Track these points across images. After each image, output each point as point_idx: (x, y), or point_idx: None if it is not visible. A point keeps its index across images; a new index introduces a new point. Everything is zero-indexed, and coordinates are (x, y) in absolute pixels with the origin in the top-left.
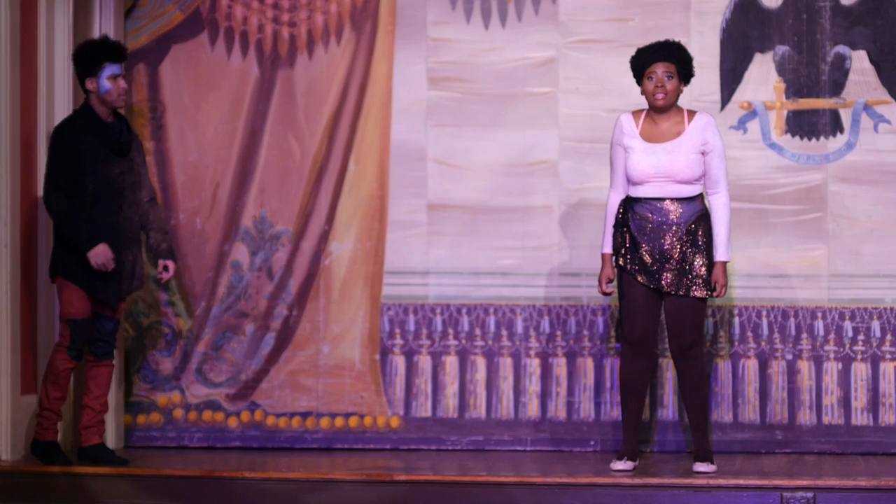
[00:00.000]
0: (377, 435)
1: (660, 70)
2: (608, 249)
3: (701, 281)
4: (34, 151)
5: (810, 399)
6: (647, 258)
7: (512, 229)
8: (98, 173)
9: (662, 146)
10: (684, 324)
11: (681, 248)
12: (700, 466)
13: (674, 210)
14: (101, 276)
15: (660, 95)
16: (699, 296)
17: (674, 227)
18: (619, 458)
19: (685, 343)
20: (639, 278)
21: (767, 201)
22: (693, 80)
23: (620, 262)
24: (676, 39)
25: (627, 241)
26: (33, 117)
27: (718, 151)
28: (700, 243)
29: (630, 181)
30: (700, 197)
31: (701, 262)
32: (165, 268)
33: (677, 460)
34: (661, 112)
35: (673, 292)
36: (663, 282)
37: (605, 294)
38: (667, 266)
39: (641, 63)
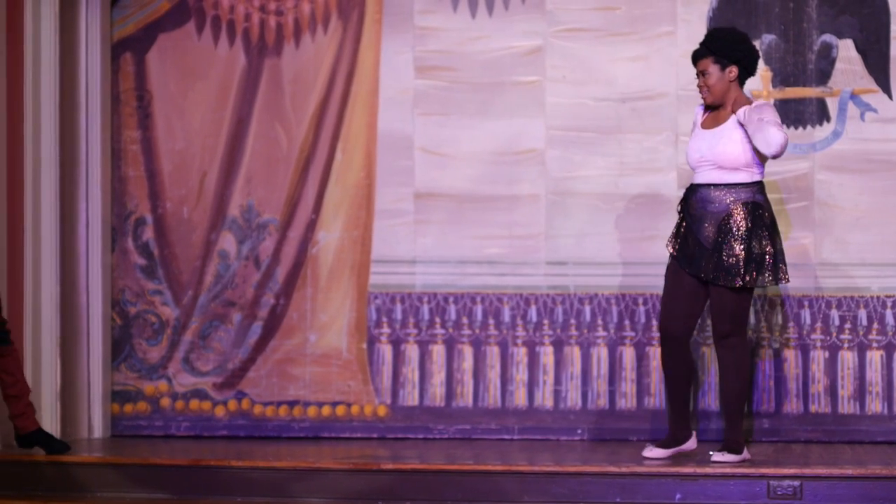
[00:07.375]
0: (364, 424)
1: (697, 70)
2: None
3: (738, 271)
4: (20, 143)
5: (797, 387)
6: (691, 245)
7: (499, 218)
8: None
9: (711, 132)
10: (720, 313)
11: (718, 237)
12: (717, 456)
13: (717, 197)
14: None
15: (703, 95)
16: (735, 285)
17: (714, 214)
18: (656, 446)
19: (719, 332)
20: (682, 265)
21: None
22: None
23: (669, 249)
24: (725, 27)
25: (680, 228)
26: (19, 106)
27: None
28: (739, 232)
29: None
30: (744, 186)
31: (739, 251)
32: None
33: None
34: (716, 106)
35: (711, 281)
36: (702, 271)
37: None
38: (706, 254)
39: None
